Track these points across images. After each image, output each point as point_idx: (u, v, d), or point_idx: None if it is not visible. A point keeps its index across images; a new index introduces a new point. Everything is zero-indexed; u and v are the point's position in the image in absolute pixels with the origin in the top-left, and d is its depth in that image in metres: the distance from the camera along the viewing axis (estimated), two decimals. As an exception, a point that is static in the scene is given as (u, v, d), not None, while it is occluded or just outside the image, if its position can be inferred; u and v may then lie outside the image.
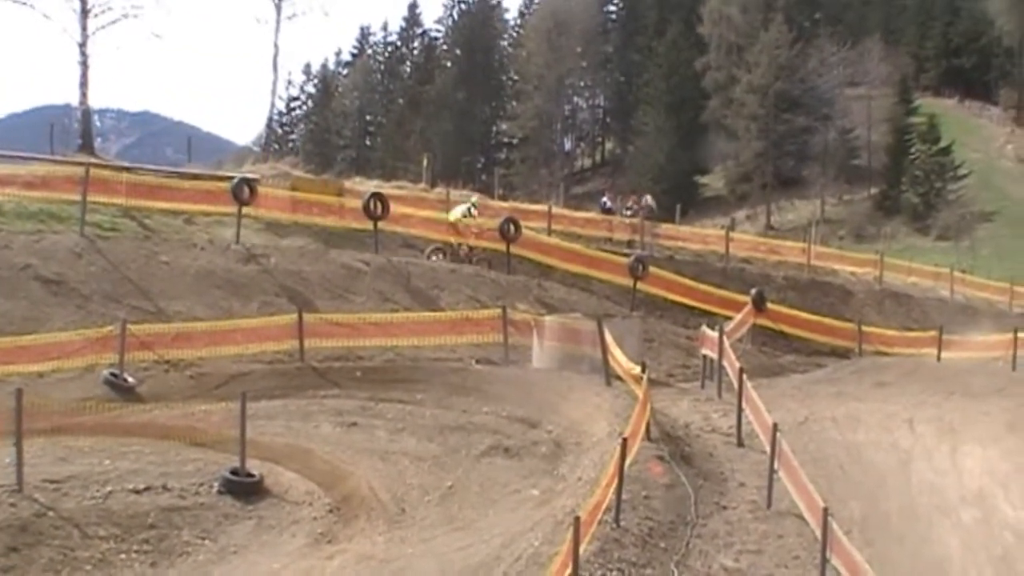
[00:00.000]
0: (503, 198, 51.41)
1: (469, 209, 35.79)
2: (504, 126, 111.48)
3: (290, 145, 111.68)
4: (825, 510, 17.48)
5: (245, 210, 31.29)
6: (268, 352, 25.65)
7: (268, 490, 19.61)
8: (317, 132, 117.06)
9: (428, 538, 18.28)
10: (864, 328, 36.64)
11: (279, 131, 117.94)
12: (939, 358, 34.38)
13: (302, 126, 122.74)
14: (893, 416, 25.74)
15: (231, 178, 32.58)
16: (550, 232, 38.18)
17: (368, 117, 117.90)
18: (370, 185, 40.01)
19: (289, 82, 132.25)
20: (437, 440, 22.27)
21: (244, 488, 19.35)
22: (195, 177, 33.32)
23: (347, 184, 38.55)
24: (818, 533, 17.76)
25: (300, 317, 25.84)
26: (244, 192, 31.21)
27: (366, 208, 33.30)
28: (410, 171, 65.61)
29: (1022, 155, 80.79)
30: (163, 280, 27.76)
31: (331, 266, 30.71)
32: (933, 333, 35.62)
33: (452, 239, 34.95)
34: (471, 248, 35.10)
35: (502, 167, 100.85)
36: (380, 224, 33.34)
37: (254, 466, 19.78)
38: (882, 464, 22.92)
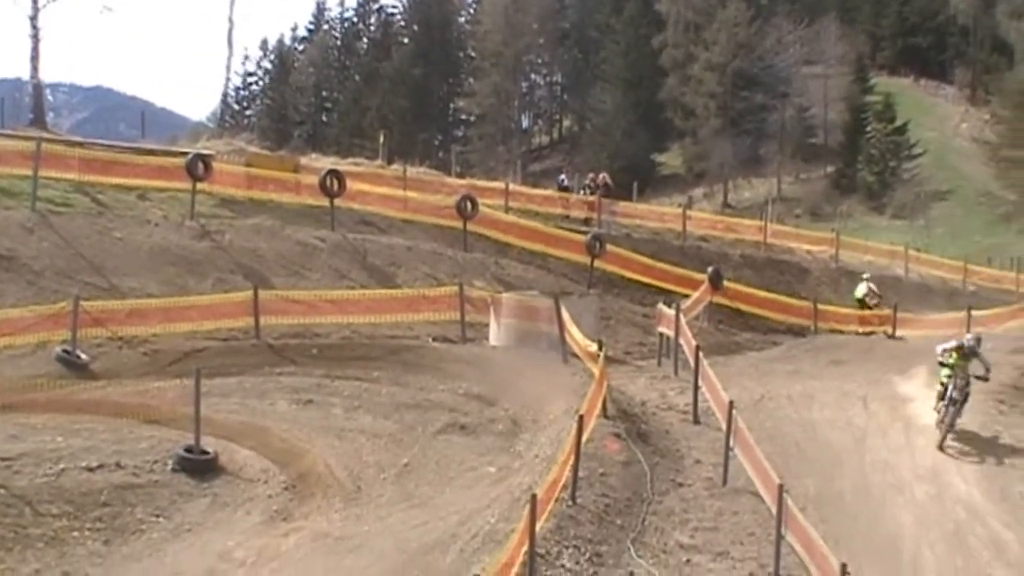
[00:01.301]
0: (460, 175, 51.26)
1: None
2: (461, 103, 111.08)
3: (246, 121, 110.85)
4: (780, 487, 17.55)
5: (200, 186, 31.04)
6: (223, 329, 25.48)
7: (223, 468, 19.49)
8: (273, 108, 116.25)
9: (384, 515, 18.24)
10: (820, 306, 36.79)
11: (235, 107, 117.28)
12: (894, 335, 34.59)
13: (258, 102, 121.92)
14: (848, 394, 25.89)
15: (186, 154, 32.29)
16: (507, 210, 38.10)
17: (324, 93, 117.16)
18: (326, 162, 39.76)
19: (246, 58, 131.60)
20: (393, 418, 22.21)
21: (199, 466, 19.21)
22: (149, 153, 32.97)
23: (303, 160, 38.29)
24: (773, 510, 17.84)
25: (256, 294, 25.69)
26: (199, 168, 30.95)
27: (322, 185, 33.11)
28: (367, 148, 65.36)
29: (976, 134, 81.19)
30: (116, 256, 27.50)
31: (287, 243, 30.53)
32: (888, 311, 35.82)
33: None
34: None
35: (459, 144, 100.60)
36: (336, 201, 33.17)
37: (209, 444, 19.64)
38: (837, 442, 23.05)
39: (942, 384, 23.27)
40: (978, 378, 23.30)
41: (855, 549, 18.03)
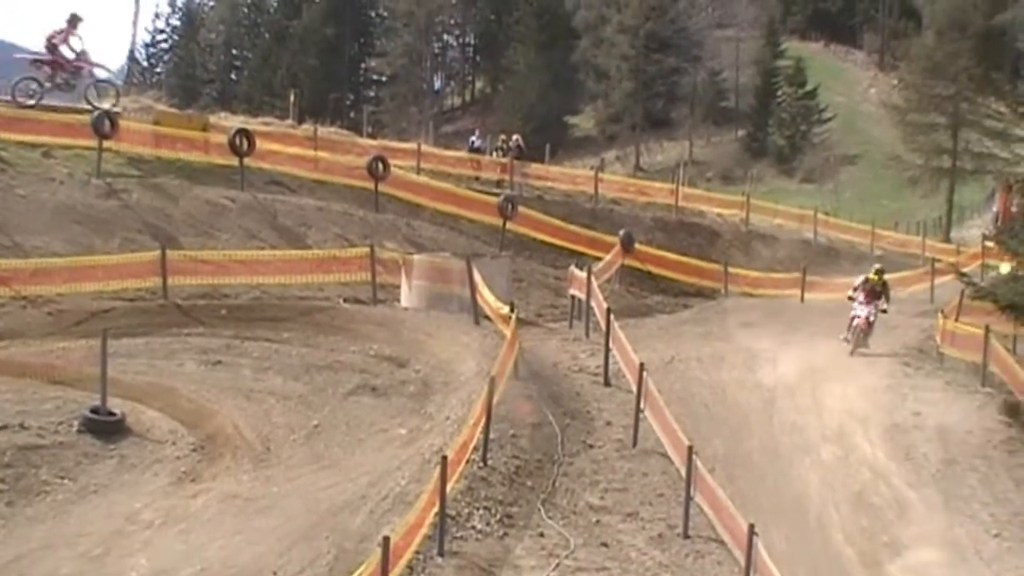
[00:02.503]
0: (372, 136, 50.90)
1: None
2: (373, 63, 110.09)
3: (154, 79, 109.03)
4: (689, 448, 17.70)
5: (106, 144, 30.50)
6: (130, 289, 25.13)
7: (130, 429, 19.24)
8: (182, 66, 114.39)
9: (294, 477, 18.14)
10: (730, 269, 37.06)
11: (142, 64, 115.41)
12: (803, 299, 34.95)
13: (166, 60, 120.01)
14: (757, 356, 26.16)
15: (91, 111, 31.70)
16: (419, 171, 37.89)
17: (234, 51, 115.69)
18: (236, 120, 39.20)
19: (156, 15, 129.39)
20: (304, 379, 22.08)
21: (105, 427, 18.94)
22: (54, 109, 32.32)
23: (212, 119, 37.70)
24: (682, 471, 18.02)
25: (163, 254, 25.36)
26: (105, 125, 30.40)
27: (232, 144, 32.70)
28: (277, 107, 64.49)
29: (885, 99, 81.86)
30: (20, 214, 26.92)
31: (196, 202, 30.12)
32: (797, 275, 36.17)
33: None
34: None
35: (371, 105, 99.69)
36: (246, 160, 32.78)
37: (116, 404, 19.37)
38: (746, 403, 23.29)
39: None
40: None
41: (763, 509, 18.21)
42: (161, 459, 18.59)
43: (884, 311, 27.65)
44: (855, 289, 27.88)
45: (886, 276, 28.60)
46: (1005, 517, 19.33)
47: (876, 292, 27.64)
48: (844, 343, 27.33)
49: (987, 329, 24.61)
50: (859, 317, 27.22)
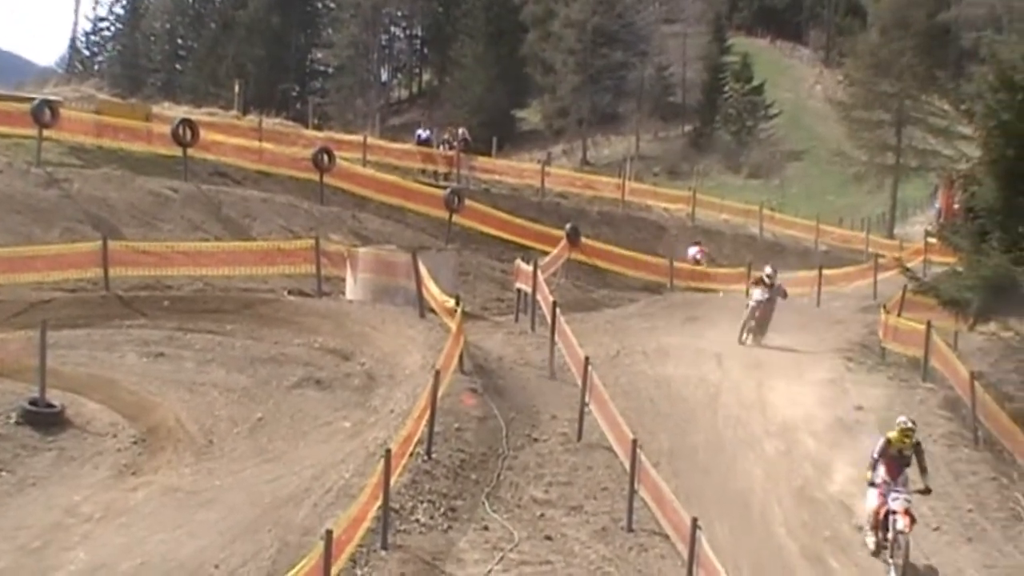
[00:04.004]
0: (318, 128, 50.62)
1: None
2: (319, 54, 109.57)
3: (96, 68, 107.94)
4: (634, 442, 17.71)
5: (47, 133, 30.22)
6: (71, 280, 24.91)
7: (70, 421, 19.11)
8: (125, 55, 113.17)
9: (237, 470, 18.03)
10: (676, 264, 37.17)
11: (84, 53, 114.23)
12: (748, 294, 35.01)
13: (109, 48, 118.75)
14: (702, 351, 26.23)
15: (31, 99, 31.37)
16: (365, 163, 37.80)
17: (179, 41, 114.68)
18: (180, 111, 39.02)
19: (97, 2, 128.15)
20: (247, 372, 21.94)
21: (44, 419, 18.79)
22: (-7, 98, 32.00)
23: (156, 109, 37.49)
24: (627, 465, 18.02)
25: (105, 244, 25.10)
26: (45, 114, 30.14)
27: (175, 134, 32.49)
28: (222, 97, 64.05)
29: (830, 96, 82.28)
30: (-42, 204, 26.65)
31: (138, 193, 29.88)
32: (742, 269, 36.32)
33: None
34: None
35: (317, 96, 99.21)
36: (190, 151, 32.57)
37: (55, 396, 19.23)
38: (691, 398, 23.34)
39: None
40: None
41: (707, 504, 18.28)
42: (101, 452, 18.44)
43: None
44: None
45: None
46: (944, 511, 19.50)
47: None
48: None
49: (928, 324, 24.79)
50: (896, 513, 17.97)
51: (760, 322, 27.84)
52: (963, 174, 28.20)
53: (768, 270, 28.88)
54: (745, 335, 27.75)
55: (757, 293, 28.11)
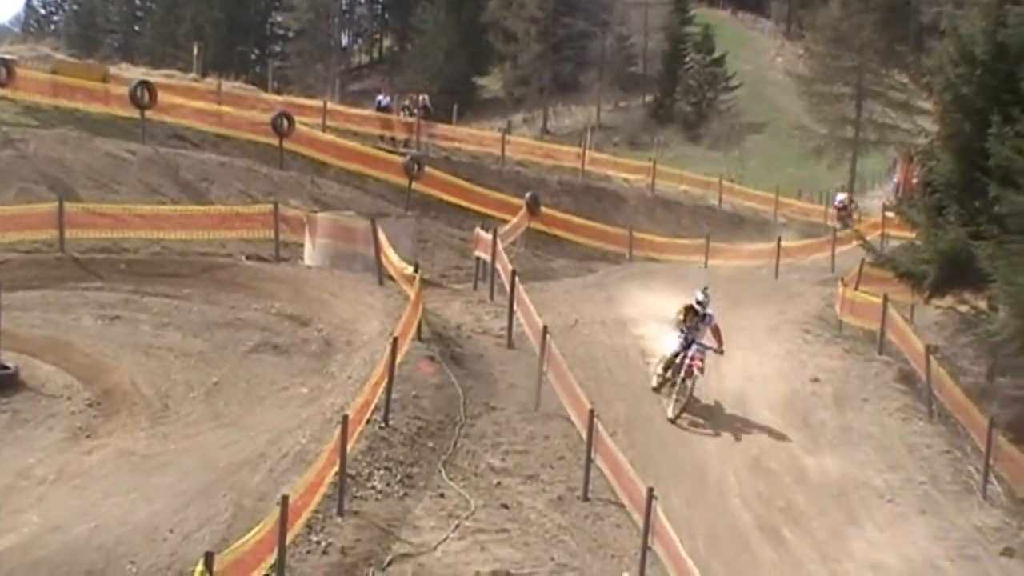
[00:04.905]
0: (277, 92, 50.23)
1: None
2: (279, 17, 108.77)
3: (52, 27, 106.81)
4: (591, 412, 17.78)
5: (2, 92, 29.90)
6: (26, 241, 24.62)
7: (23, 383, 18.96)
8: (82, 14, 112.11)
9: (192, 434, 17.96)
10: (635, 234, 37.21)
11: (40, 12, 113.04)
12: (706, 265, 35.19)
13: (66, 7, 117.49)
14: (661, 321, 26.21)
15: (-13, 58, 31.02)
16: (325, 128, 37.56)
17: (137, 1, 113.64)
18: (137, 72, 38.61)
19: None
20: (204, 336, 21.81)
21: (-3, 381, 18.62)
22: (-53, 57, 31.61)
23: (113, 70, 37.07)
24: (584, 434, 18.09)
25: (61, 206, 24.85)
26: (1, 73, 29.77)
27: (133, 96, 32.18)
28: (180, 59, 63.57)
29: (791, 69, 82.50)
30: (-88, 163, 26.34)
31: (95, 155, 29.58)
32: (701, 241, 36.43)
33: None
34: None
35: (277, 60, 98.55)
36: (148, 113, 32.29)
37: (9, 358, 19.10)
38: (649, 368, 23.36)
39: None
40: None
41: (662, 474, 18.40)
42: (55, 414, 18.30)
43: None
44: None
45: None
46: (898, 483, 19.71)
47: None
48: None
49: (885, 298, 24.92)
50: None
51: (687, 382, 21.20)
52: (921, 149, 28.29)
53: (700, 295, 21.99)
54: (670, 403, 21.28)
55: (676, 338, 21.75)
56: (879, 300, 25.01)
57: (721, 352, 21.52)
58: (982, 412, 21.35)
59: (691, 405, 21.17)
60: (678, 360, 21.27)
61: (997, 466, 20.31)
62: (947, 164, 25.17)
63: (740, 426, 21.03)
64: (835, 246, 36.92)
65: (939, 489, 19.74)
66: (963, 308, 24.76)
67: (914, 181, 32.26)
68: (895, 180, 46.28)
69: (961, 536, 18.47)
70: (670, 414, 20.93)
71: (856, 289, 26.97)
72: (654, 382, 21.91)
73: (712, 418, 21.33)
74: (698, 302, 21.86)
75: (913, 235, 27.53)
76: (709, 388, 22.26)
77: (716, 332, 21.60)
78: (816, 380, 23.17)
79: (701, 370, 20.98)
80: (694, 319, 21.66)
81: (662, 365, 21.84)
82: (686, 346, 21.31)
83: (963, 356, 25.75)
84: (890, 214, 35.12)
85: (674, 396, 21.09)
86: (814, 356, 24.53)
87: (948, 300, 25.64)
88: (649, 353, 23.90)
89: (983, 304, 24.33)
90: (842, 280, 27.71)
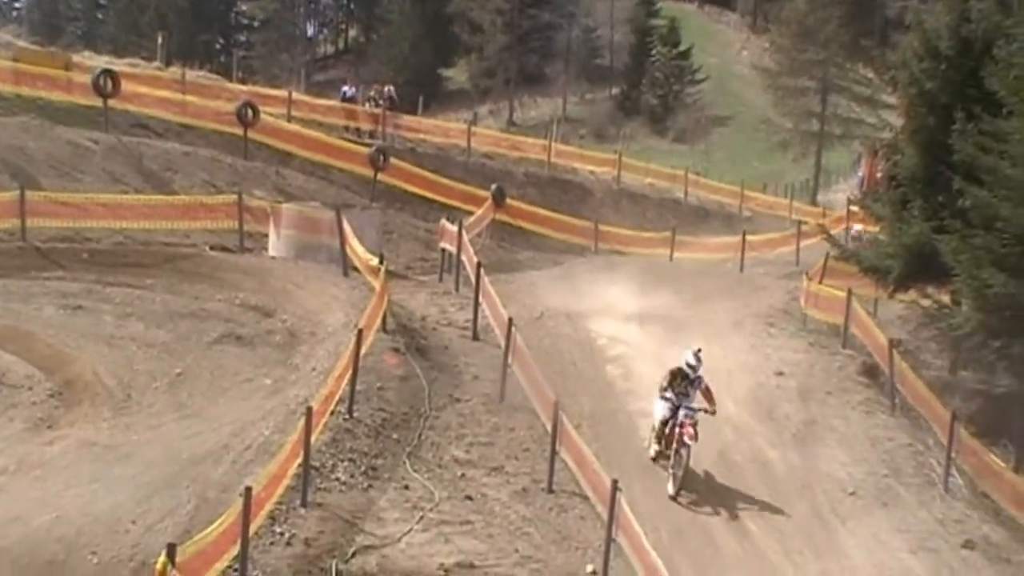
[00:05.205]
0: (242, 81, 50.00)
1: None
2: (244, 6, 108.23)
3: (14, 14, 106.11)
4: (556, 404, 17.79)
5: (-38, 80, 29.68)
6: (-13, 230, 24.43)
7: (-16, 374, 18.77)
8: (45, 2, 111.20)
9: (155, 425, 17.85)
10: (601, 227, 37.22)
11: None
12: (672, 258, 35.25)
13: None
14: (625, 314, 26.26)
15: (-51, 45, 30.75)
16: (290, 119, 37.40)
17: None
18: (101, 60, 38.35)
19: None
20: (167, 326, 21.67)
21: (-43, 371, 18.47)
22: (-93, 43, 31.32)
23: (76, 58, 36.80)
24: (548, 426, 18.10)
25: (22, 194, 24.62)
26: (-39, 61, 29.57)
27: (96, 84, 31.96)
28: (144, 48, 63.07)
29: (757, 62, 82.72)
30: None
31: (57, 143, 29.34)
32: (667, 234, 36.48)
33: None
34: None
35: (242, 49, 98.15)
36: (111, 102, 32.06)
37: (-31, 349, 18.89)
38: (614, 360, 23.40)
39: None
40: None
41: (626, 466, 18.44)
42: (16, 404, 18.16)
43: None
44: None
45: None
46: (860, 476, 19.81)
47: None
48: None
49: (849, 292, 25.02)
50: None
51: (681, 453, 18.72)
52: (886, 143, 28.41)
53: (690, 357, 19.30)
54: (668, 478, 18.82)
55: (664, 406, 19.09)
56: (843, 294, 25.10)
57: (713, 412, 19.15)
58: (944, 406, 21.49)
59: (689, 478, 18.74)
60: (667, 429, 18.85)
61: (959, 459, 20.45)
62: (911, 158, 25.31)
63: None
64: (800, 240, 37.03)
65: (901, 482, 19.86)
66: (926, 302, 24.93)
67: (879, 175, 32.40)
68: (860, 174, 46.48)
69: (923, 529, 18.60)
70: (670, 491, 18.45)
71: (821, 283, 27.07)
72: (651, 452, 19.35)
73: (677, 411, 21.32)
74: (689, 365, 19.12)
75: (877, 229, 27.67)
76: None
77: (707, 393, 19.23)
78: (781, 374, 23.26)
79: (694, 438, 18.49)
80: (683, 384, 19.09)
81: (655, 436, 19.26)
82: (674, 412, 18.83)
83: (926, 350, 25.91)
84: (855, 208, 35.24)
85: (670, 470, 18.71)
86: (779, 350, 24.62)
87: (912, 294, 25.82)
88: (613, 350, 23.93)
89: (946, 298, 24.51)
90: (807, 274, 27.81)
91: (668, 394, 19.07)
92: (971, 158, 22.41)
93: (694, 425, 18.63)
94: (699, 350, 19.47)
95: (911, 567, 17.61)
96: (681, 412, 18.77)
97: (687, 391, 19.11)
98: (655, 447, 19.26)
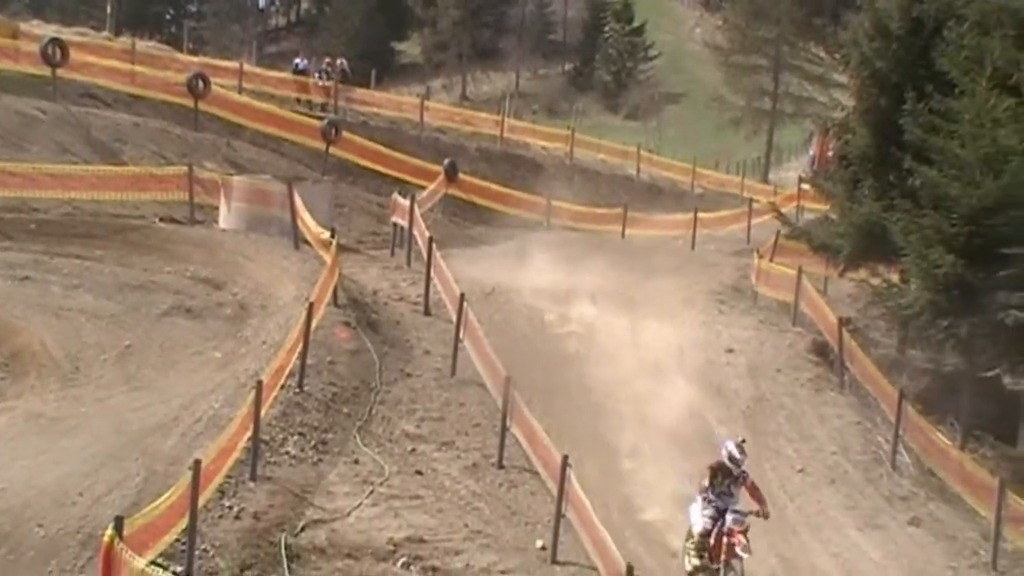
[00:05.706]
0: (193, 53, 49.53)
1: None
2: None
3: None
4: (507, 379, 17.78)
5: (-92, 48, 29.26)
6: (-67, 200, 24.15)
7: (-72, 345, 18.59)
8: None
9: (104, 397, 17.74)
10: (553, 202, 37.19)
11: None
12: (623, 235, 35.29)
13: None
14: (577, 290, 26.30)
15: None
16: (241, 91, 37.13)
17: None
18: (49, 29, 37.85)
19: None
20: (116, 298, 21.53)
21: (-101, 343, 18.28)
22: None
23: (24, 27, 36.34)
24: (499, 402, 18.10)
25: (-32, 164, 24.37)
26: (-94, 28, 29.14)
27: (44, 53, 31.59)
28: (93, 17, 62.52)
29: (710, 39, 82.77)
30: None
31: (4, 113, 29.00)
32: (619, 210, 36.50)
33: None
34: None
35: (192, 20, 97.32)
36: (59, 71, 31.70)
37: (-89, 320, 18.69)
38: (565, 336, 23.44)
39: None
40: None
41: (578, 441, 18.44)
42: (-39, 376, 18.00)
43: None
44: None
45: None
46: (809, 453, 19.97)
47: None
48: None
49: (799, 270, 25.16)
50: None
51: (734, 565, 15.32)
52: (838, 122, 28.52)
53: (733, 449, 15.49)
54: None
55: (704, 512, 15.47)
56: (794, 272, 25.23)
57: (766, 515, 15.61)
58: (892, 384, 21.67)
59: None
60: (712, 539, 15.31)
61: (906, 437, 20.62)
62: (863, 138, 25.43)
63: (655, 395, 21.09)
64: (751, 217, 37.15)
65: (849, 459, 20.04)
66: (876, 281, 25.08)
67: (830, 154, 32.50)
68: (811, 153, 46.56)
69: (870, 505, 18.77)
70: None
71: (771, 261, 27.20)
72: (687, 567, 15.51)
73: (628, 386, 21.39)
74: (732, 459, 15.44)
75: (828, 208, 27.79)
76: (624, 356, 22.37)
77: (754, 490, 15.76)
78: (731, 351, 23.39)
79: (747, 549, 15.17)
80: (725, 482, 15.53)
81: (694, 548, 15.49)
82: (718, 517, 15.35)
83: (875, 328, 26.09)
84: (806, 187, 35.37)
85: None
86: (729, 327, 24.75)
87: (861, 273, 25.98)
88: (564, 327, 23.97)
89: (895, 277, 24.67)
90: (758, 251, 27.92)
91: (710, 495, 15.40)
92: (921, 138, 22.54)
93: (744, 532, 15.23)
94: (743, 440, 16.00)
95: (858, 543, 17.77)
96: (729, 518, 15.24)
97: (730, 490, 15.52)
98: (695, 561, 15.41)
